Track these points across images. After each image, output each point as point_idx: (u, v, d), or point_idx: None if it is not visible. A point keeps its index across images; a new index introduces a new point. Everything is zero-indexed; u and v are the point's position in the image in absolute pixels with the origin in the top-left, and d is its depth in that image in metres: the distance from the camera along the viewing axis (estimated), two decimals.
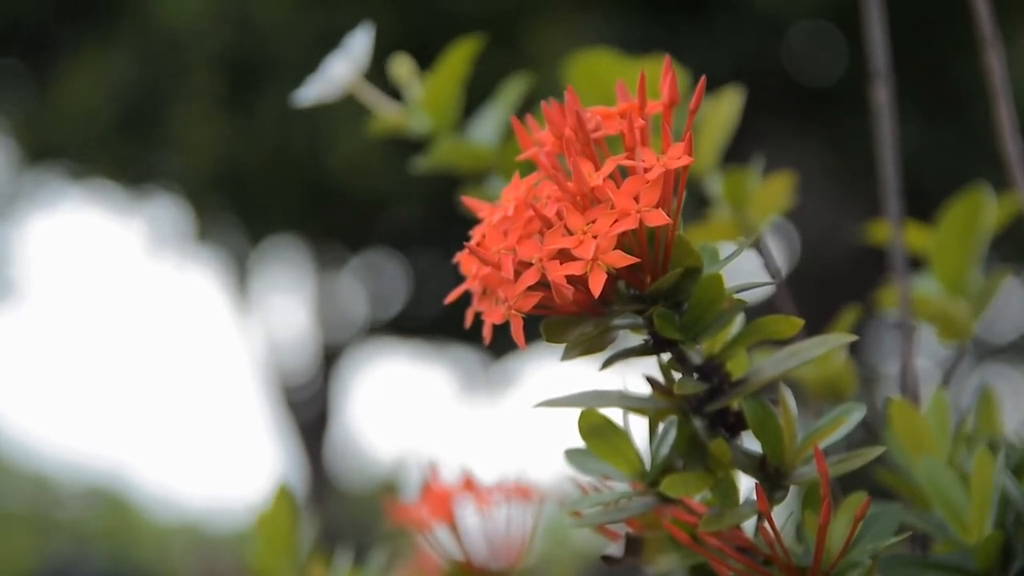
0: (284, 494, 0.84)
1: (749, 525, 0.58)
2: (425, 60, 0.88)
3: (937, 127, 3.66)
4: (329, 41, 0.88)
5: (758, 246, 0.82)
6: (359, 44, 0.84)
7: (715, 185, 0.86)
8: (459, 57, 0.85)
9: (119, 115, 4.16)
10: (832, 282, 3.74)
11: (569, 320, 0.54)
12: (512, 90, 0.86)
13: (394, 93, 0.88)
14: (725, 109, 0.85)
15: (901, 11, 0.85)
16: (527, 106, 0.85)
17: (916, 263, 0.88)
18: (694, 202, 0.83)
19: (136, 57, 4.07)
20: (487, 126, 0.86)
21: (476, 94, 0.89)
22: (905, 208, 0.84)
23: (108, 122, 4.19)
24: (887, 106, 0.84)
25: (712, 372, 0.57)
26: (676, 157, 0.53)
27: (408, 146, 0.87)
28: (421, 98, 0.86)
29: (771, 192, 0.85)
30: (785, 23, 3.86)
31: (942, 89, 3.66)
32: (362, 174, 3.91)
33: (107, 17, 4.16)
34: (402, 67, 0.86)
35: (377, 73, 0.86)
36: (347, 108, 0.87)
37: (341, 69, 0.83)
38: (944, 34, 3.53)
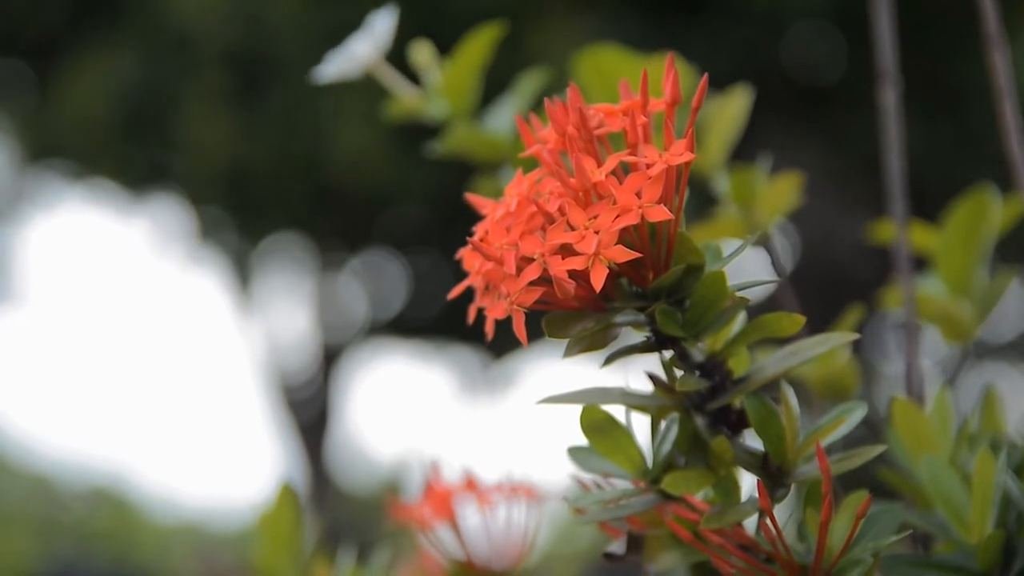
0: (287, 493, 0.84)
1: (751, 523, 0.58)
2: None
3: (938, 127, 3.66)
4: (335, 40, 0.88)
5: (765, 245, 0.82)
6: (382, 25, 0.84)
7: (722, 184, 0.86)
8: (480, 44, 0.85)
9: (123, 115, 4.16)
10: (833, 282, 3.74)
11: (571, 316, 0.54)
12: (529, 82, 0.86)
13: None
14: (733, 108, 0.85)
15: (902, 11, 0.85)
16: (531, 103, 0.85)
17: (919, 263, 0.88)
18: (703, 200, 0.83)
19: (141, 56, 4.07)
20: (503, 116, 0.86)
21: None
22: (908, 208, 0.84)
23: (112, 122, 4.19)
24: (894, 107, 0.83)
25: (714, 369, 0.57)
26: (678, 153, 0.53)
27: (411, 144, 0.87)
28: (440, 84, 0.86)
29: (778, 192, 0.86)
30: (785, 23, 3.86)
31: (942, 89, 3.66)
32: (364, 172, 3.92)
33: (112, 16, 4.16)
34: (422, 53, 0.87)
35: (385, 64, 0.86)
36: (350, 106, 0.87)
37: (363, 48, 0.84)
38: (943, 34, 3.53)
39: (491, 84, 0.90)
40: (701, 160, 0.85)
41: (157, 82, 4.08)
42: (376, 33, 0.84)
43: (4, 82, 4.61)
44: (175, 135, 4.16)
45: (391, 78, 0.86)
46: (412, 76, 0.88)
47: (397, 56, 0.88)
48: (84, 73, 4.14)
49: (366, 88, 0.88)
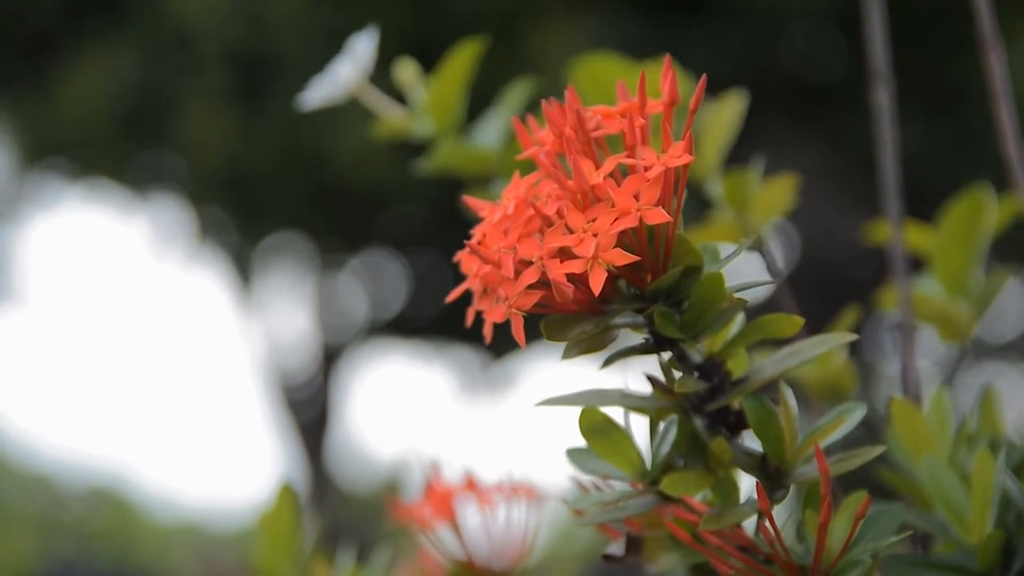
0: (287, 493, 0.84)
1: (750, 524, 0.58)
2: (427, 59, 0.88)
3: (937, 127, 3.66)
4: (336, 40, 0.89)
5: (760, 247, 0.82)
6: (363, 47, 0.84)
7: (717, 187, 0.86)
8: (463, 60, 0.85)
9: (123, 114, 4.16)
10: (832, 282, 3.74)
11: (569, 318, 0.55)
12: (516, 94, 0.86)
13: (396, 93, 0.88)
14: (728, 112, 0.85)
15: (899, 11, 0.86)
16: (527, 108, 0.85)
17: (916, 264, 0.88)
18: (697, 204, 0.83)
19: (141, 56, 4.07)
20: (490, 130, 0.86)
21: (474, 95, 0.90)
22: (904, 208, 0.84)
23: (112, 121, 4.19)
24: (888, 107, 0.84)
25: (713, 371, 0.57)
26: (676, 155, 0.53)
27: (413, 145, 0.88)
28: (425, 101, 0.86)
29: (773, 194, 0.86)
30: (785, 23, 3.86)
31: (941, 89, 3.66)
32: (366, 171, 3.92)
33: (113, 15, 4.16)
34: (406, 71, 0.87)
35: (380, 72, 0.86)
36: (354, 104, 0.87)
37: (346, 72, 0.84)
38: (942, 34, 3.53)
39: (490, 86, 0.90)
40: (696, 164, 0.85)
41: (157, 81, 4.08)
42: (358, 56, 0.84)
43: (4, 82, 4.61)
44: (175, 134, 4.17)
45: (376, 99, 0.86)
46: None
47: (396, 60, 0.88)
48: (84, 72, 4.14)
49: None
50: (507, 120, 0.85)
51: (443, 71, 0.85)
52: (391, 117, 0.87)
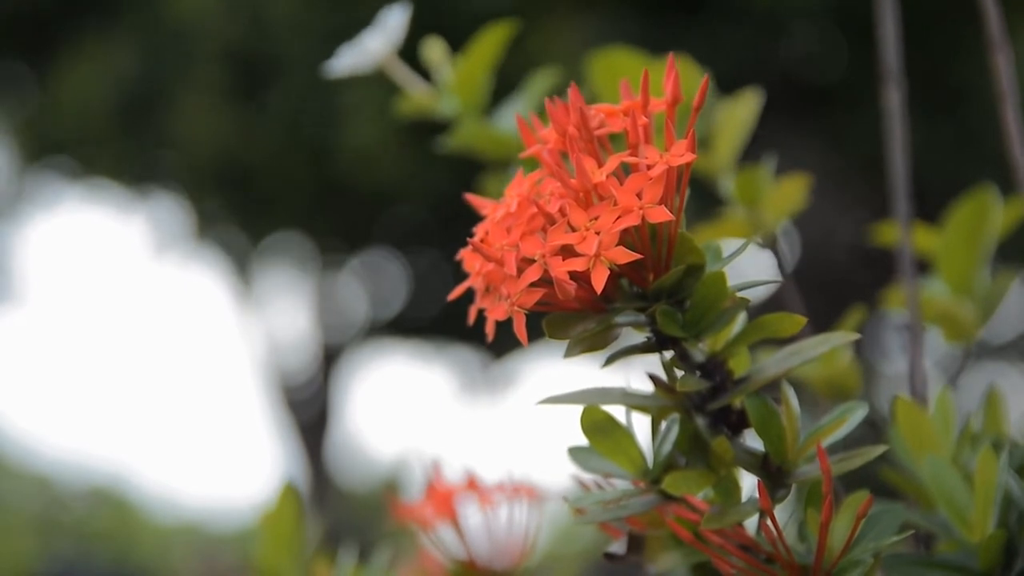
0: (289, 493, 0.84)
1: (751, 523, 0.58)
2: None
3: (938, 127, 3.66)
4: (335, 39, 0.88)
5: (772, 245, 0.82)
6: (395, 21, 0.84)
7: (729, 185, 0.86)
8: (490, 42, 0.86)
9: (122, 112, 4.16)
10: (833, 282, 3.74)
11: (572, 317, 0.54)
12: (539, 82, 0.86)
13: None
14: (743, 111, 0.85)
15: (902, 11, 0.85)
16: (538, 103, 0.85)
17: (920, 264, 0.88)
18: (711, 201, 0.83)
19: (140, 52, 4.07)
20: (513, 115, 0.86)
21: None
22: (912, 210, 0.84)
23: (110, 118, 4.19)
24: (898, 108, 0.83)
25: (714, 370, 0.57)
26: (679, 154, 0.53)
27: (414, 141, 0.88)
28: (451, 80, 0.86)
29: (785, 193, 0.85)
30: (785, 23, 3.86)
31: (942, 89, 3.66)
32: (366, 169, 3.91)
33: (110, 11, 4.16)
34: (434, 50, 0.87)
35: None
36: (354, 103, 0.87)
37: (376, 44, 0.84)
38: (944, 34, 3.53)
39: (491, 84, 0.90)
40: (710, 162, 0.85)
41: (156, 79, 4.08)
42: (389, 29, 0.84)
43: (3, 80, 4.61)
44: (174, 132, 4.17)
45: (403, 74, 0.86)
46: (417, 75, 0.89)
47: (398, 56, 0.88)
48: (83, 70, 4.14)
49: (367, 84, 0.88)
50: (531, 105, 0.86)
51: (471, 51, 0.86)
52: (416, 93, 0.87)
